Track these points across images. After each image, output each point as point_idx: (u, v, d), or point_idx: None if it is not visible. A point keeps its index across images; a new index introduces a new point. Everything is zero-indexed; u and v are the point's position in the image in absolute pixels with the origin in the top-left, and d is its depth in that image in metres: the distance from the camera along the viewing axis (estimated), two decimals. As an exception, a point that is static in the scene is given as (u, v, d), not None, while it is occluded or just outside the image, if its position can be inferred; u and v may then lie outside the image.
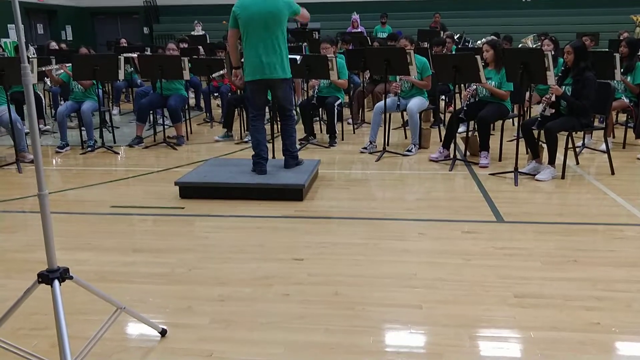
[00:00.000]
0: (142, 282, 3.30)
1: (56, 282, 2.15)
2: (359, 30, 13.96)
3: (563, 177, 5.34)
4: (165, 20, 19.74)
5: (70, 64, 6.96)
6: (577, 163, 5.89)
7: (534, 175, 5.34)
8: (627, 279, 3.23)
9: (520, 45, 10.41)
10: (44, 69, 7.18)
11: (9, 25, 15.52)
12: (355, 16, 14.43)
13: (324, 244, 3.82)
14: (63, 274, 2.20)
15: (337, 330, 2.72)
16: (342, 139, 7.42)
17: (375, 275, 3.32)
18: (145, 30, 19.79)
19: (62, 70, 7.28)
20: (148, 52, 9.74)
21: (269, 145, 5.55)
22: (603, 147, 5.84)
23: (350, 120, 8.35)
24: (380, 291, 3.12)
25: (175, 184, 4.98)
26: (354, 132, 7.92)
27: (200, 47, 10.66)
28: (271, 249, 3.76)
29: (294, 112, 5.41)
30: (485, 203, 4.68)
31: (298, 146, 5.77)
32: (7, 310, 2.26)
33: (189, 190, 4.95)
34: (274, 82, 5.03)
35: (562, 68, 5.46)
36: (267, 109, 6.07)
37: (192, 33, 14.40)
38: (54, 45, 9.96)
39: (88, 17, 20.24)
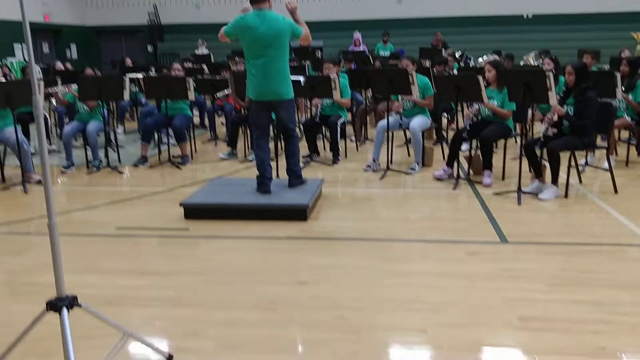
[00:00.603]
0: (149, 305, 3.31)
1: (65, 310, 2.17)
2: (361, 48, 14.07)
3: (566, 196, 5.36)
4: (169, 39, 19.94)
5: (76, 85, 7.04)
6: (580, 182, 5.90)
7: (537, 194, 5.36)
8: (633, 302, 3.23)
9: (522, 63, 10.48)
10: (50, 90, 7.26)
11: (14, 45, 15.70)
12: (357, 35, 14.54)
13: (329, 266, 3.84)
14: (71, 302, 2.22)
15: (342, 354, 2.73)
16: (346, 157, 7.47)
17: (380, 299, 3.33)
18: (150, 48, 19.99)
19: (67, 91, 7.35)
20: (153, 72, 9.83)
21: (273, 164, 5.59)
22: (606, 165, 5.86)
23: (353, 138, 8.40)
24: (386, 315, 3.13)
25: (180, 205, 5.01)
26: (357, 150, 7.97)
27: (204, 65, 10.75)
28: (276, 271, 3.78)
29: (297, 131, 5.46)
30: (489, 223, 4.69)
31: (301, 164, 5.80)
32: (17, 338, 2.28)
33: (194, 211, 4.98)
34: (277, 103, 5.09)
35: (564, 88, 5.50)
36: (271, 128, 6.13)
37: (196, 52, 14.53)
38: (59, 65, 10.08)
39: (93, 35, 20.47)
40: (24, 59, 15.21)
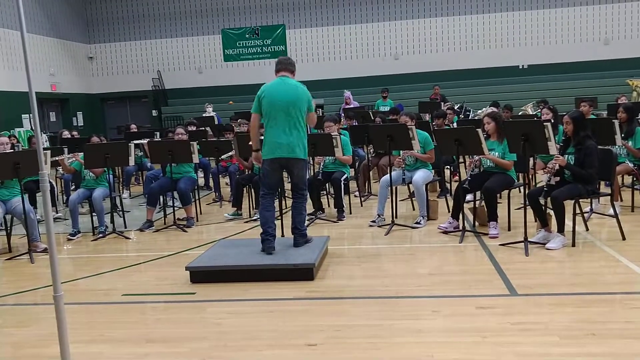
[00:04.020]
0: (156, 374, 3.26)
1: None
2: (352, 105, 14.25)
3: (574, 244, 5.32)
4: (173, 103, 20.39)
5: (82, 153, 7.15)
6: (587, 229, 5.87)
7: (544, 244, 5.33)
8: (649, 352, 3.16)
9: (520, 113, 10.63)
10: (57, 158, 7.37)
11: (22, 116, 16.06)
12: (347, 93, 14.75)
13: (338, 326, 3.78)
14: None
15: (355, 420, 2.66)
16: (350, 213, 7.47)
17: (392, 358, 3.26)
18: (154, 112, 20.40)
19: (74, 159, 7.46)
20: (158, 137, 10.00)
21: (277, 223, 5.60)
22: (611, 211, 5.84)
23: (357, 193, 8.44)
24: (397, 375, 3.06)
25: (186, 268, 4.99)
26: (362, 205, 7.98)
27: (208, 128, 10.93)
28: (284, 334, 3.72)
29: (307, 192, 5.52)
30: (498, 275, 4.64)
31: (307, 221, 5.81)
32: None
33: (200, 275, 4.95)
34: (292, 161, 5.20)
35: (563, 137, 5.56)
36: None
37: (204, 115, 14.80)
38: (66, 134, 10.24)
39: (98, 102, 20.95)
40: (31, 129, 15.52)
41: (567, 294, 4.15)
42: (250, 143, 5.71)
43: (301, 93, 5.22)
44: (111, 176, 7.38)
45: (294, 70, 5.37)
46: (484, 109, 10.88)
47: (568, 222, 5.40)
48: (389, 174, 6.56)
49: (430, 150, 6.73)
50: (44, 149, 7.25)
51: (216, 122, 13.13)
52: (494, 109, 9.38)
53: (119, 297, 4.70)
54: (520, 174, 6.60)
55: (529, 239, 5.28)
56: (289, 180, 5.57)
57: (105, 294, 4.82)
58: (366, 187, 8.64)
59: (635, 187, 6.83)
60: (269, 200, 5.33)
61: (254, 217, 7.38)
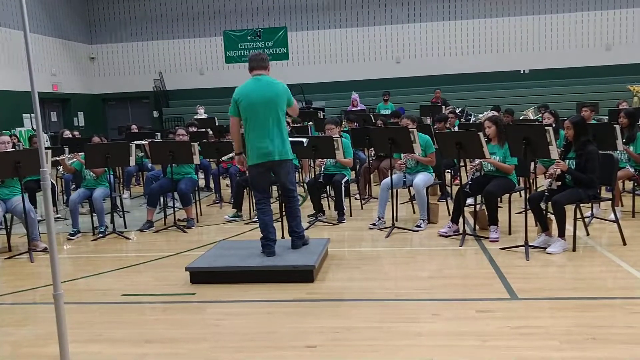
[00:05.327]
0: (154, 375, 3.24)
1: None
2: (359, 108, 14.28)
3: (574, 249, 5.31)
4: (174, 104, 20.41)
5: (83, 153, 7.14)
6: (588, 234, 5.86)
7: (545, 248, 5.32)
8: (650, 357, 3.15)
9: (521, 117, 10.63)
10: (57, 158, 7.37)
11: (24, 115, 16.07)
12: (355, 95, 14.78)
13: (338, 328, 3.77)
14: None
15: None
16: (351, 215, 7.46)
17: (391, 361, 3.25)
18: (155, 113, 20.42)
19: (75, 159, 7.46)
20: (158, 138, 10.00)
21: (278, 225, 5.57)
22: (612, 216, 5.84)
23: (357, 196, 8.43)
24: (397, 378, 3.05)
25: (186, 269, 4.98)
26: (362, 208, 7.97)
27: (209, 129, 10.93)
28: (284, 336, 3.71)
29: (297, 193, 5.47)
30: (498, 279, 4.63)
31: (307, 224, 5.79)
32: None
33: (200, 276, 4.94)
34: (278, 163, 5.13)
35: (564, 142, 5.56)
36: (272, 189, 6.16)
37: (196, 117, 14.83)
38: (67, 134, 10.25)
39: (99, 103, 20.97)
40: (32, 129, 15.53)
41: (567, 299, 4.14)
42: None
43: (279, 90, 5.07)
44: (112, 176, 7.37)
45: (268, 67, 5.20)
46: (485, 113, 10.89)
47: (569, 227, 5.39)
48: (389, 177, 6.55)
49: (432, 153, 6.73)
50: (45, 148, 7.25)
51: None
52: (495, 113, 9.38)
53: (119, 297, 4.69)
54: (521, 178, 6.59)
55: (529, 243, 5.27)
56: (277, 182, 5.48)
57: (105, 294, 4.81)
58: (367, 190, 8.63)
59: (636, 192, 6.82)
60: (266, 205, 5.26)
61: (254, 219, 7.37)
